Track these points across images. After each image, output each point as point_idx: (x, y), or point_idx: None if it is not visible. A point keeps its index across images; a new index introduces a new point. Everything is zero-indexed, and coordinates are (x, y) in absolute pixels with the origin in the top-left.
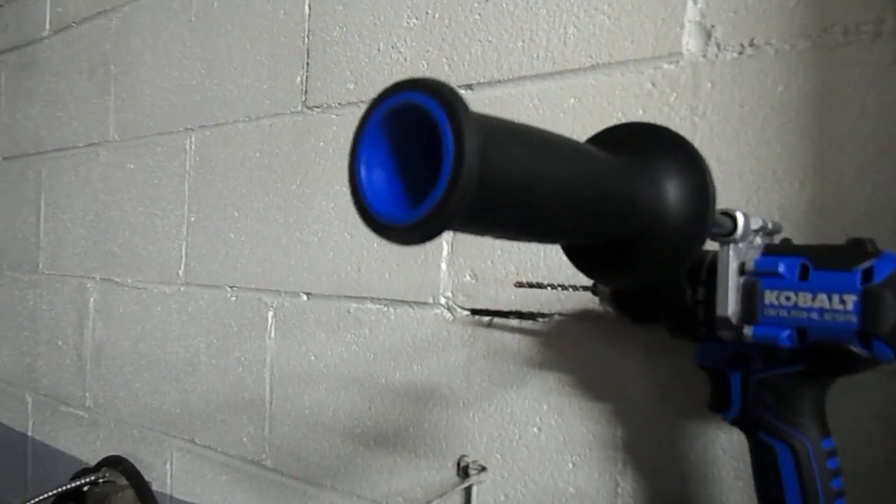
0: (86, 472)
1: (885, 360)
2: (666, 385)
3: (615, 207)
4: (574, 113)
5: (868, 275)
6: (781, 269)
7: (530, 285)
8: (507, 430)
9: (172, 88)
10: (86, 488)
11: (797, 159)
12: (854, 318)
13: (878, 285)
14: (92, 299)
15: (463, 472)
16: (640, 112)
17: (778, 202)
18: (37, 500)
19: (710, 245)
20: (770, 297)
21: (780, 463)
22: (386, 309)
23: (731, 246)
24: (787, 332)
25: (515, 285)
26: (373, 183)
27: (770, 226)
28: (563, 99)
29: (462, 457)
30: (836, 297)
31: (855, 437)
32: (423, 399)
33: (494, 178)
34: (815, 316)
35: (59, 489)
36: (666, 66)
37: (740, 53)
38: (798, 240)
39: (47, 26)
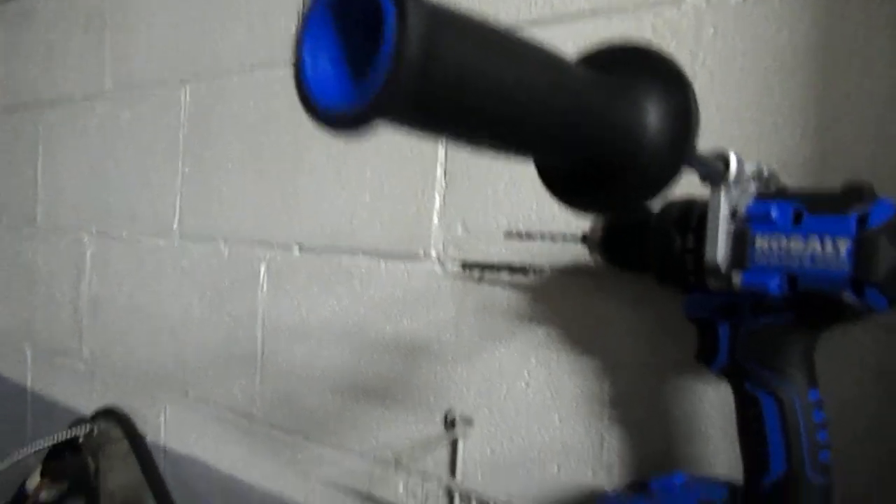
0: (81, 422)
1: (877, 309)
2: (655, 340)
3: (587, 124)
4: None
5: (863, 220)
6: (774, 213)
7: (519, 235)
8: (494, 384)
9: (167, 39)
10: (81, 438)
11: (799, 110)
12: (847, 265)
13: (874, 231)
14: (88, 252)
15: (450, 425)
16: None
17: (778, 154)
18: (33, 449)
19: (703, 192)
20: (761, 242)
21: (765, 413)
22: (377, 262)
23: (723, 190)
24: (776, 280)
25: (505, 235)
26: (317, 71)
27: (766, 172)
28: (562, 44)
29: (449, 410)
30: (828, 243)
31: (844, 391)
32: (412, 353)
33: (444, 69)
34: (806, 262)
35: (55, 439)
36: (667, 11)
37: None
38: None
39: None
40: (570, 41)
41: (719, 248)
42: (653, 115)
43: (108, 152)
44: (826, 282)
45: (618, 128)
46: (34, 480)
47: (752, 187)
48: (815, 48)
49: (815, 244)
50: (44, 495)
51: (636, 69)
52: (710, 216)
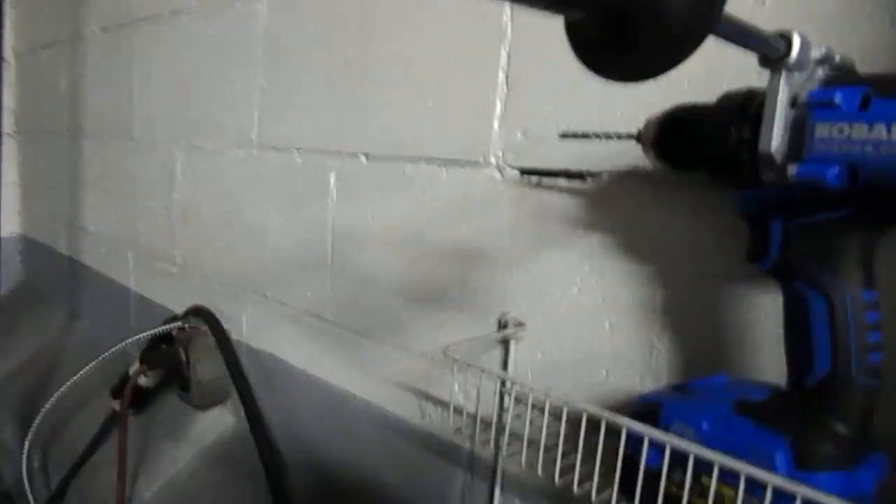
0: (174, 318)
1: None
2: (711, 249)
3: None
4: None
5: None
6: (838, 98)
7: (575, 135)
8: (548, 289)
9: None
10: (174, 332)
11: None
12: None
13: None
14: (178, 164)
15: (503, 327)
16: None
17: (862, 43)
18: (134, 339)
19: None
20: (821, 130)
21: (812, 311)
22: (438, 169)
23: (784, 73)
24: (835, 170)
25: (560, 136)
26: None
27: (837, 58)
28: None
29: (503, 313)
30: (895, 128)
31: None
32: (469, 258)
33: None
34: (869, 149)
35: (153, 332)
36: None
37: None
38: None
39: None
40: None
41: (775, 137)
42: None
43: (193, 67)
44: (890, 172)
45: None
46: (134, 368)
47: (819, 73)
48: None
49: (880, 130)
50: (143, 380)
51: None
52: (767, 101)
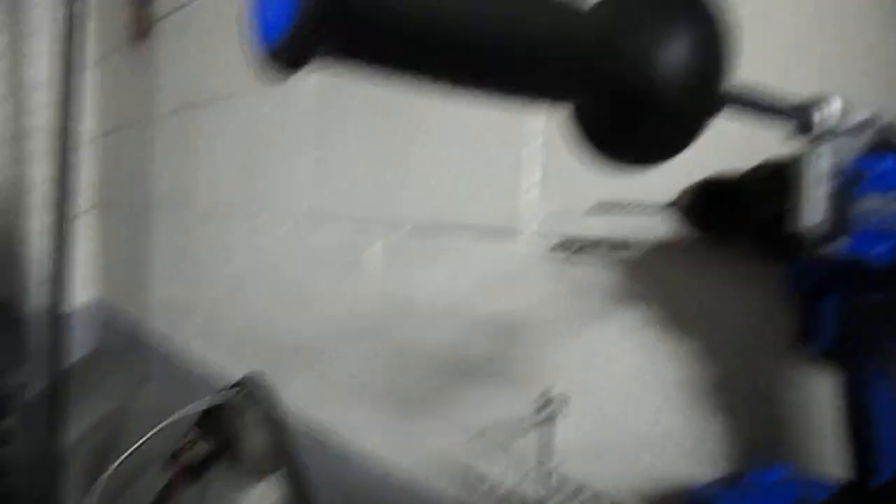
0: (227, 388)
1: None
2: (761, 322)
3: (587, 56)
4: None
5: None
6: (883, 167)
7: (609, 207)
8: (591, 365)
9: None
10: (228, 401)
11: None
12: None
13: None
14: (236, 234)
15: (547, 405)
16: None
17: None
18: (190, 408)
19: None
20: (868, 202)
21: (874, 403)
22: (476, 239)
23: (821, 143)
24: (884, 246)
25: (593, 209)
26: (263, 5)
27: (884, 121)
28: None
29: (546, 390)
30: None
31: None
32: (510, 331)
33: None
34: None
35: (207, 401)
36: None
37: None
38: None
39: None
40: None
41: (815, 211)
42: (674, 46)
43: (251, 144)
44: None
45: (629, 58)
46: (189, 437)
47: (863, 138)
48: None
49: None
50: (197, 449)
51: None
52: (804, 173)
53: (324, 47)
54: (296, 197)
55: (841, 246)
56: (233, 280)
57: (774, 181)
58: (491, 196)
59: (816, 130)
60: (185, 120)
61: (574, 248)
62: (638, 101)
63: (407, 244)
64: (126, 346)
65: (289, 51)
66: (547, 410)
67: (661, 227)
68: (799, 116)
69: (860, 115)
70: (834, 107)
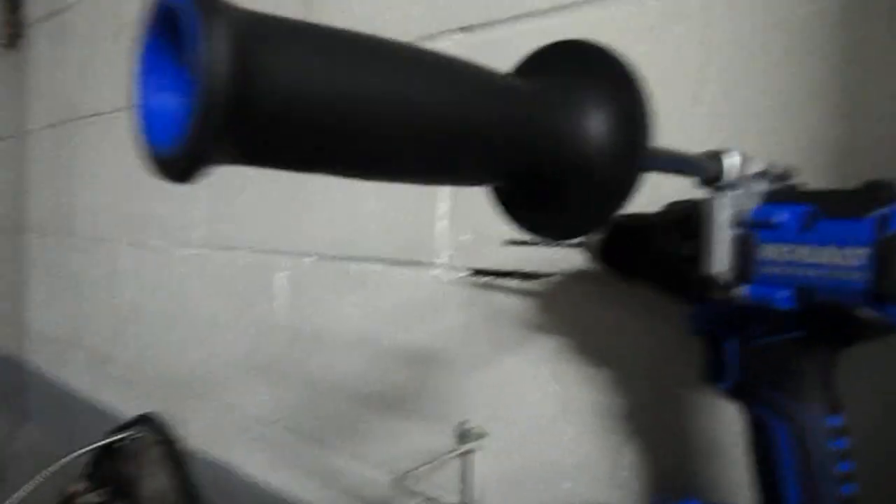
0: (122, 428)
1: None
2: (670, 350)
3: (506, 136)
4: None
5: (883, 224)
6: (782, 218)
7: (520, 243)
8: (506, 396)
9: None
10: (122, 443)
11: (822, 89)
12: (864, 276)
13: (894, 236)
14: (123, 262)
15: (463, 437)
16: (644, 48)
17: (801, 143)
18: (78, 453)
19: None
20: (767, 251)
21: (777, 441)
22: (387, 269)
23: (720, 193)
24: (785, 293)
25: (505, 243)
26: (154, 108)
27: (779, 170)
28: (563, 36)
29: (462, 422)
30: (842, 251)
31: (876, 413)
32: (424, 362)
33: (270, 88)
34: (818, 273)
35: (97, 445)
36: None
37: None
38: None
39: None
40: (571, 32)
41: (719, 258)
42: (594, 119)
43: (137, 164)
44: (841, 295)
45: (549, 138)
46: (78, 486)
47: (761, 187)
48: (839, 20)
49: (827, 252)
50: (89, 498)
51: (575, 69)
52: (707, 223)
53: (223, 156)
54: (190, 223)
55: (744, 291)
56: (123, 311)
57: (680, 226)
58: (398, 228)
59: (720, 182)
60: (64, 136)
61: (485, 278)
62: (561, 177)
63: (314, 274)
64: (0, 383)
65: (183, 161)
66: (465, 443)
67: (573, 258)
68: (699, 172)
69: (757, 166)
70: (733, 159)
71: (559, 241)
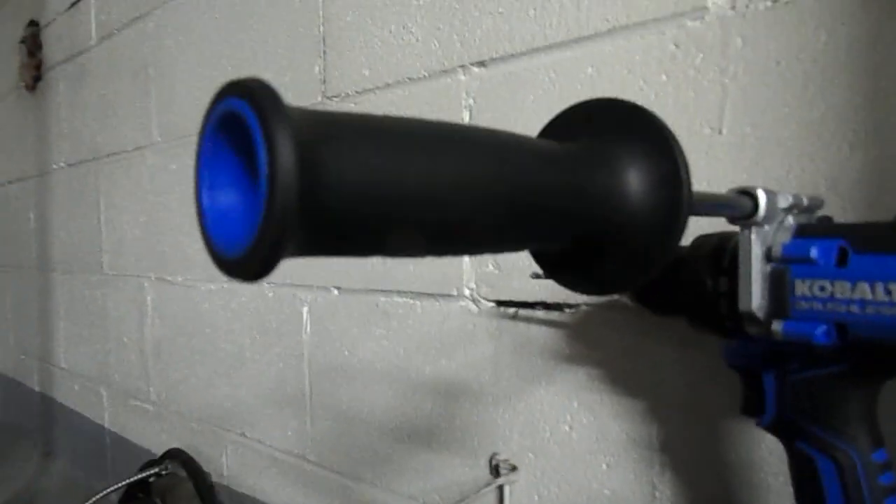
0: (151, 464)
1: None
2: (704, 380)
3: (552, 206)
4: (592, 84)
5: None
6: (814, 253)
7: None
8: (537, 427)
9: (204, 87)
10: (152, 479)
11: (845, 120)
12: None
13: None
14: (149, 297)
15: (495, 470)
16: (664, 78)
17: (825, 171)
18: (109, 490)
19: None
20: (802, 287)
21: (823, 477)
22: (412, 302)
23: (754, 229)
24: (823, 328)
25: (532, 276)
26: (218, 209)
27: (806, 202)
28: (580, 69)
29: (494, 455)
30: (879, 287)
31: None
32: (452, 394)
33: (337, 187)
34: (855, 309)
35: (128, 481)
36: (690, 23)
37: (774, 1)
38: (850, 215)
39: (93, 35)
40: (588, 65)
41: (754, 295)
42: (633, 182)
43: (160, 200)
44: (881, 330)
45: (592, 203)
46: None
47: (790, 221)
48: (859, 46)
49: (864, 289)
50: None
51: (610, 130)
52: (741, 259)
53: (291, 252)
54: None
55: (780, 327)
56: (149, 346)
57: (712, 261)
58: (421, 260)
59: (754, 217)
60: (86, 174)
61: (512, 309)
62: (605, 238)
63: (336, 308)
64: (29, 419)
65: (256, 265)
66: (497, 476)
67: None
68: (730, 211)
69: (785, 200)
70: (761, 198)
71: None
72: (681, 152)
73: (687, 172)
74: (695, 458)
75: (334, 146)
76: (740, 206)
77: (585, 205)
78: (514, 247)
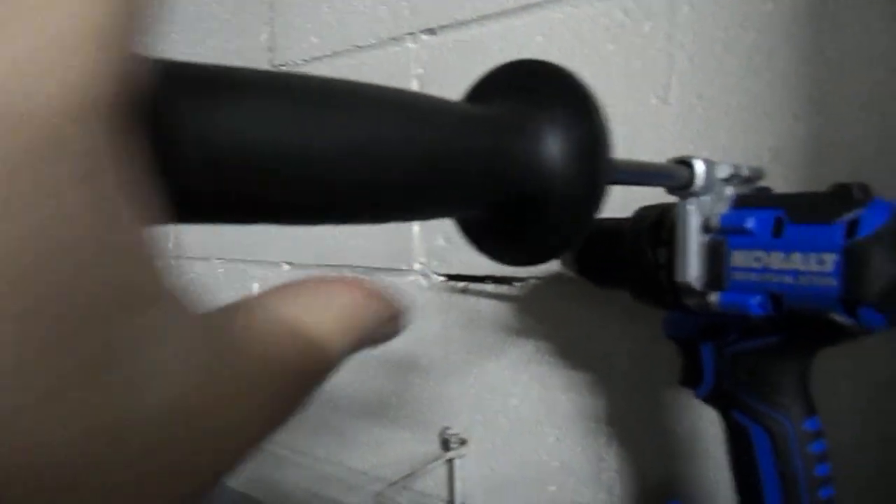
0: None
1: (875, 328)
2: (650, 352)
3: (463, 170)
4: (542, 53)
5: (852, 228)
6: (751, 224)
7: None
8: (487, 401)
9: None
10: None
11: (791, 89)
12: (834, 281)
13: (864, 240)
14: None
15: (444, 444)
16: (612, 46)
17: (770, 141)
18: None
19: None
20: (738, 258)
21: (756, 447)
22: (363, 276)
23: (691, 199)
24: (757, 299)
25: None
26: None
27: (746, 172)
28: (530, 38)
29: (444, 429)
30: (812, 257)
31: (851, 413)
32: (403, 369)
33: (216, 143)
34: (789, 279)
35: None
36: None
37: None
38: (793, 185)
39: None
40: (538, 33)
41: (691, 266)
42: (551, 148)
43: None
44: (813, 301)
45: (505, 168)
46: None
47: (729, 192)
48: (805, 13)
49: (797, 258)
50: None
51: (531, 93)
52: (677, 230)
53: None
54: (161, 232)
55: (717, 298)
56: None
57: (652, 232)
58: (372, 234)
59: (690, 188)
60: None
61: (461, 283)
62: (525, 205)
63: None
64: None
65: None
66: (447, 450)
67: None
68: (666, 181)
69: (724, 171)
70: (698, 168)
71: (532, 265)
72: (602, 118)
73: (606, 139)
74: (640, 429)
75: (208, 98)
76: (677, 175)
77: (499, 170)
78: (426, 213)
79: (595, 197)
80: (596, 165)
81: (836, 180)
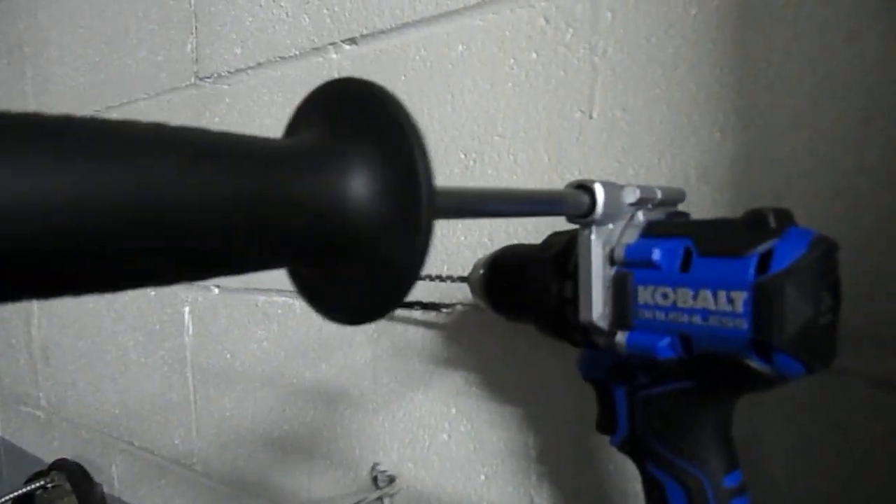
0: (38, 476)
1: (792, 375)
2: (583, 387)
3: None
4: (463, 62)
5: (764, 262)
6: (657, 256)
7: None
8: (417, 436)
9: (79, 67)
10: (37, 492)
11: (717, 102)
12: (745, 324)
13: (776, 276)
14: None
15: (374, 481)
16: (534, 55)
17: (696, 158)
18: None
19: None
20: (645, 295)
21: (670, 502)
22: (291, 301)
23: (593, 228)
24: (666, 340)
25: None
26: None
27: (660, 195)
28: (451, 47)
29: (375, 465)
30: (721, 295)
31: (783, 461)
32: (333, 401)
33: None
34: (698, 319)
35: (11, 495)
36: None
37: None
38: (720, 206)
39: None
40: (459, 42)
41: (594, 303)
42: (359, 186)
43: None
44: (724, 344)
45: (303, 213)
46: None
47: (639, 218)
48: (731, 21)
49: (706, 296)
50: None
51: (344, 120)
52: (580, 263)
53: None
54: None
55: (623, 339)
56: (37, 348)
57: (559, 262)
58: None
59: (591, 216)
60: None
61: None
62: (335, 258)
63: (217, 308)
64: None
65: None
66: (377, 488)
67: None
68: (562, 209)
69: (631, 195)
70: (599, 194)
71: (356, 325)
72: (420, 151)
73: (426, 178)
74: (571, 468)
75: None
76: (574, 202)
77: (296, 217)
78: (217, 271)
79: (415, 241)
80: (411, 203)
81: (766, 201)
